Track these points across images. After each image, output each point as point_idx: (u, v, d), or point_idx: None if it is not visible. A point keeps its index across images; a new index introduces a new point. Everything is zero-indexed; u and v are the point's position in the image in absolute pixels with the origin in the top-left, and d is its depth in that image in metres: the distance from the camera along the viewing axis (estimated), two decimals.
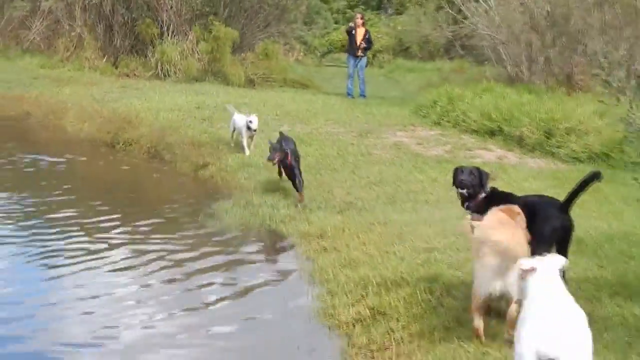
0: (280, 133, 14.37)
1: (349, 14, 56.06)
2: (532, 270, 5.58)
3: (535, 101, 18.68)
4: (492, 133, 18.10)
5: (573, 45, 22.40)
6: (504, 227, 6.87)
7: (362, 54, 27.94)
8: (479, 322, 6.82)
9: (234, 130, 16.85)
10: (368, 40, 27.97)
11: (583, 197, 12.23)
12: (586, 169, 14.31)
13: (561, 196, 12.15)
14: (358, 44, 27.63)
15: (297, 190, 13.01)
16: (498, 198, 8.09)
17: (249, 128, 16.25)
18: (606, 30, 22.09)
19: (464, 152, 16.60)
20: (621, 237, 10.13)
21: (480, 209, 8.10)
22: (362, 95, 27.71)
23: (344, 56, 49.23)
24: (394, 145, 17.34)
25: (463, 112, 19.53)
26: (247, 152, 16.28)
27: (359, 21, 28.10)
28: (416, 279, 8.46)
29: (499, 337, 6.82)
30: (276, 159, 13.05)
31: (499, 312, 7.04)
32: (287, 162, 13.07)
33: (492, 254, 6.52)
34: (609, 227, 10.73)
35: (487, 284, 6.64)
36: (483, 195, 8.43)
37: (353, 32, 27.80)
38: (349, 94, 27.66)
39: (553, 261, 5.72)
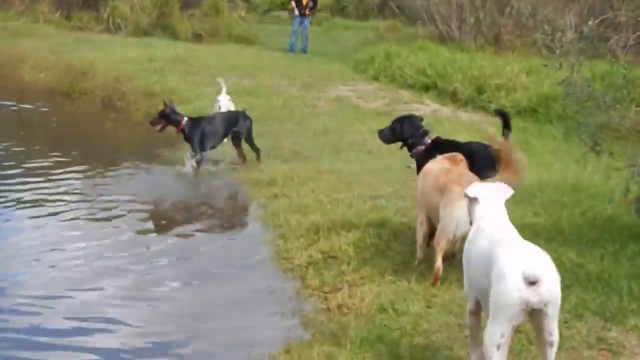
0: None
1: None
2: (476, 199, 5.45)
3: (467, 59, 18.64)
4: (427, 88, 18.04)
5: (501, 7, 22.31)
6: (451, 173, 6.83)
7: (308, 13, 27.86)
8: (440, 263, 6.74)
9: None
10: (314, 0, 27.90)
11: None
12: (515, 123, 14.39)
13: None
14: (305, 3, 27.47)
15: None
16: (442, 145, 7.96)
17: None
18: None
19: (402, 106, 16.48)
20: (553, 186, 10.12)
21: (422, 157, 8.07)
22: (304, 51, 27.52)
23: (284, 14, 49.08)
24: (336, 98, 17.22)
25: (399, 68, 19.42)
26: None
27: None
28: (364, 225, 8.35)
29: (446, 281, 6.76)
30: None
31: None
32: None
33: (457, 198, 6.39)
34: (540, 178, 10.70)
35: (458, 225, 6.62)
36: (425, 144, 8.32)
37: None
38: (291, 50, 27.44)
39: (500, 190, 5.58)
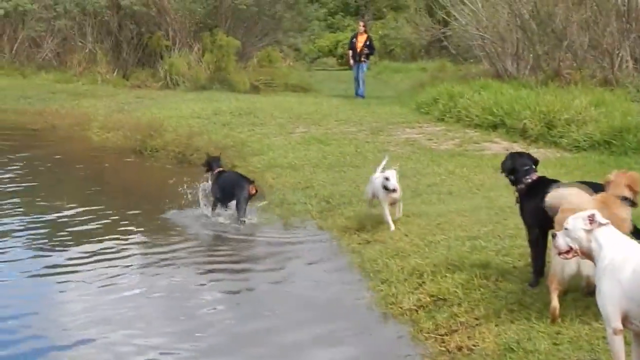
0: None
1: (329, 21, 56.14)
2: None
3: (532, 95, 18.67)
4: (495, 126, 18.08)
5: (558, 42, 22.38)
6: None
7: (364, 59, 28.30)
8: (556, 303, 6.73)
9: (372, 196, 11.36)
10: (370, 46, 28.47)
11: None
12: (590, 157, 14.55)
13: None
14: (359, 50, 28.00)
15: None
16: (545, 184, 7.98)
17: (386, 188, 10.81)
18: (588, 26, 22.14)
19: (473, 146, 16.58)
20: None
21: (524, 193, 8.12)
22: (361, 95, 27.96)
23: (331, 60, 49.62)
24: (406, 141, 17.34)
25: (465, 108, 19.50)
26: (392, 226, 10.64)
27: (362, 28, 28.86)
28: (468, 266, 8.41)
29: (566, 317, 6.79)
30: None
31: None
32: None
33: None
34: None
35: (565, 265, 6.61)
36: (529, 180, 8.17)
37: (354, 39, 28.39)
38: (357, 95, 28.11)
39: None
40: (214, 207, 12.74)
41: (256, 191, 12.62)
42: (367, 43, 28.32)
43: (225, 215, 12.42)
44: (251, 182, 12.64)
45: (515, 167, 8.30)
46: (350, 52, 28.77)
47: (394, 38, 46.00)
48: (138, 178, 16.78)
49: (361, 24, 30.09)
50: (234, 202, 12.39)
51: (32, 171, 16.68)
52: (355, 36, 28.67)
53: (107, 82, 31.46)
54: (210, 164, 13.20)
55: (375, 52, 31.97)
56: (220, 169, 13.14)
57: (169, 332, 7.94)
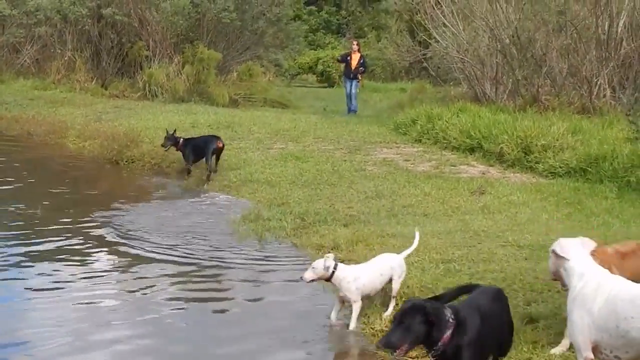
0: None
1: (310, 38, 56.27)
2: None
3: (510, 119, 18.71)
4: (472, 150, 18.12)
5: (537, 67, 22.49)
6: None
7: (359, 77, 29.40)
8: None
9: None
10: (363, 64, 29.43)
11: (569, 211, 12.45)
12: (566, 183, 14.62)
13: (549, 209, 12.31)
14: (354, 68, 28.80)
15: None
16: None
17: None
18: (568, 53, 22.27)
19: (449, 168, 16.62)
20: None
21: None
22: (354, 111, 28.93)
23: (311, 77, 49.74)
24: (384, 161, 17.35)
25: (443, 130, 19.52)
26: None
27: (355, 47, 29.70)
28: (441, 289, 8.35)
29: (540, 343, 6.78)
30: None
31: None
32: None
33: None
34: (605, 238, 10.71)
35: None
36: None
37: (349, 57, 29.06)
38: (350, 111, 28.92)
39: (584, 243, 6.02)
40: (187, 172, 16.67)
41: (223, 145, 16.65)
42: (361, 61, 29.20)
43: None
44: (218, 137, 16.86)
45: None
46: (342, 65, 30.10)
47: (374, 58, 46.12)
48: (112, 188, 16.71)
49: (355, 42, 30.90)
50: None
51: (5, 177, 16.55)
52: (349, 54, 29.37)
53: (85, 91, 31.24)
54: (175, 138, 16.93)
55: (367, 70, 32.63)
56: (184, 137, 17.07)
57: (136, 349, 7.86)
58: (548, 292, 8.38)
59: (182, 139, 16.86)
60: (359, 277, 8.20)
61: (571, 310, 5.60)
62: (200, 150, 16.63)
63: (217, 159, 16.71)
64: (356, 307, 8.16)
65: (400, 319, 5.59)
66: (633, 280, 5.76)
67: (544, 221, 11.85)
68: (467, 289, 6.46)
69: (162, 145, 17.13)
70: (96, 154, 19.51)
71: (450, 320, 5.60)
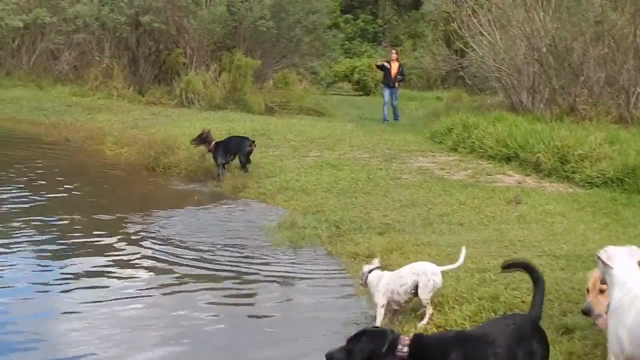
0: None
1: (346, 46, 56.28)
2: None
3: (547, 129, 18.60)
4: (508, 159, 18.02)
5: (574, 77, 22.38)
6: None
7: (398, 85, 30.08)
8: None
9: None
10: (401, 73, 30.12)
11: (606, 221, 12.35)
12: (603, 193, 14.48)
13: (585, 219, 12.20)
14: (393, 76, 29.48)
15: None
16: None
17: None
18: (605, 62, 22.14)
19: (485, 177, 16.53)
20: None
21: None
22: (396, 118, 29.73)
23: (347, 85, 49.76)
24: (419, 169, 17.31)
25: (479, 139, 19.46)
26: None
27: (394, 56, 30.44)
28: (477, 298, 8.35)
29: (576, 353, 6.73)
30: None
31: None
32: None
33: None
34: None
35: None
36: None
37: (388, 66, 29.62)
38: (384, 120, 29.24)
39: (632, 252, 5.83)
40: (219, 173, 17.25)
41: (254, 147, 17.34)
42: (400, 70, 29.94)
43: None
44: (248, 139, 17.53)
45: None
46: (381, 73, 30.79)
47: (410, 66, 46.11)
48: (148, 194, 16.79)
49: (394, 51, 31.73)
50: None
51: (43, 182, 16.75)
52: (389, 63, 29.90)
53: (122, 98, 31.59)
54: (207, 138, 17.72)
55: (405, 79, 33.53)
56: (216, 141, 17.68)
57: (170, 355, 7.91)
58: (584, 302, 8.31)
59: (213, 143, 17.53)
60: (382, 278, 8.35)
61: (610, 320, 5.54)
62: (230, 151, 17.46)
63: (248, 160, 17.30)
64: (378, 311, 8.27)
65: (348, 340, 5.74)
66: None
67: (580, 231, 11.73)
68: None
69: (192, 141, 18.05)
70: (133, 161, 19.67)
71: (401, 352, 5.56)
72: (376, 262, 8.68)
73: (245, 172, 17.06)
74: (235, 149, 17.40)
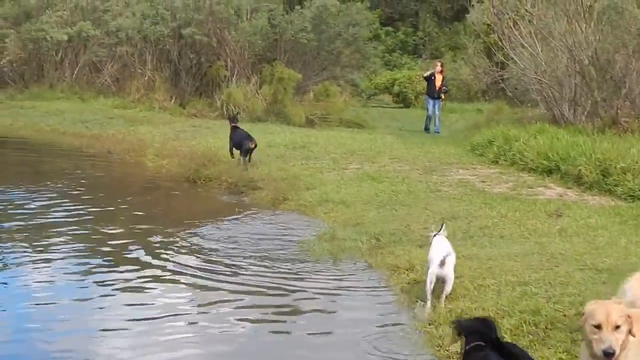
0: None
1: (386, 58, 56.25)
2: None
3: (588, 141, 18.48)
4: (549, 172, 17.92)
5: (617, 89, 22.23)
6: None
7: (443, 97, 30.84)
8: None
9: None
10: (445, 84, 30.83)
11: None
12: None
13: (628, 233, 12.08)
14: (438, 88, 30.12)
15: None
16: None
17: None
18: None
19: (526, 190, 16.45)
20: None
21: None
22: (437, 131, 29.87)
23: (387, 98, 49.73)
24: (459, 182, 17.26)
25: (520, 152, 19.40)
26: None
27: (439, 68, 30.86)
28: (518, 312, 8.33)
29: None
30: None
31: None
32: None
33: None
34: None
35: None
36: None
37: (433, 77, 30.19)
38: (426, 129, 30.12)
39: None
40: (230, 149, 19.72)
41: (255, 145, 19.28)
42: (444, 82, 30.63)
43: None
44: (252, 139, 19.43)
45: None
46: (427, 82, 31.08)
47: (451, 78, 46.04)
48: (189, 206, 16.85)
49: (438, 64, 31.91)
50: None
51: (85, 194, 16.93)
52: (434, 75, 30.40)
53: (164, 110, 31.85)
54: (233, 119, 20.69)
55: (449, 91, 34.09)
56: (234, 124, 20.20)
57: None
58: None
59: (233, 125, 20.16)
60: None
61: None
62: (236, 144, 19.70)
63: (250, 155, 19.38)
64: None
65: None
66: None
67: (622, 245, 11.64)
68: None
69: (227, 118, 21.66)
70: (174, 173, 19.80)
71: None
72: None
73: (248, 162, 19.30)
74: (237, 144, 19.57)
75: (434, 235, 10.09)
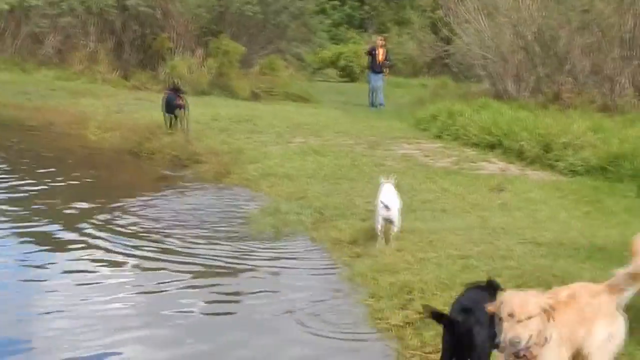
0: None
1: (333, 32, 56.11)
2: None
3: (531, 117, 18.70)
4: (492, 146, 18.10)
5: (560, 65, 22.43)
6: None
7: (386, 71, 30.44)
8: None
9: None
10: (388, 58, 30.46)
11: (588, 209, 12.41)
12: (586, 182, 14.57)
13: (568, 207, 12.22)
14: (381, 62, 29.75)
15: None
16: None
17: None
18: (591, 51, 22.21)
19: (469, 164, 16.60)
20: None
21: None
22: (382, 104, 29.74)
23: (332, 72, 49.64)
24: (403, 156, 17.35)
25: (463, 127, 19.57)
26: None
27: (380, 42, 30.52)
28: (459, 285, 8.33)
29: None
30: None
31: None
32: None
33: None
34: (624, 237, 10.68)
35: None
36: None
37: (375, 52, 29.75)
38: (372, 105, 29.76)
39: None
40: (165, 119, 20.19)
41: (184, 103, 20.06)
42: (387, 56, 30.22)
43: None
44: (179, 96, 20.27)
45: None
46: (369, 57, 30.52)
47: (396, 53, 46.09)
48: (131, 180, 16.68)
49: (380, 38, 31.92)
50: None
51: (25, 167, 16.76)
52: (375, 49, 29.98)
53: (107, 82, 31.47)
54: (171, 86, 21.60)
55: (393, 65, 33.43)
56: (168, 90, 21.17)
57: (145, 338, 7.88)
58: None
59: (166, 90, 21.53)
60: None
61: None
62: (166, 107, 20.34)
63: (185, 117, 20.07)
64: None
65: None
66: None
67: (562, 219, 11.80)
68: None
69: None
70: (117, 146, 19.61)
71: None
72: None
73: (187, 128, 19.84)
74: (167, 106, 20.28)
75: (382, 183, 11.21)
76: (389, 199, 10.67)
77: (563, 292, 5.65)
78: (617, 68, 21.41)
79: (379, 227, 10.58)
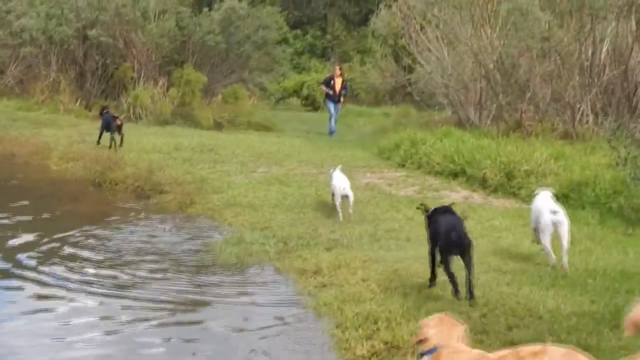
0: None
1: (295, 61, 56.27)
2: None
3: (493, 145, 18.80)
4: (455, 175, 18.19)
5: (521, 93, 22.61)
6: None
7: (342, 101, 30.26)
8: None
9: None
10: (345, 87, 30.21)
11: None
12: None
13: (530, 235, 12.29)
14: (337, 91, 29.53)
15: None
16: None
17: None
18: (551, 79, 22.42)
19: (432, 193, 16.63)
20: (601, 273, 10.20)
21: None
22: (332, 131, 29.77)
23: (295, 101, 49.70)
24: (367, 186, 17.35)
25: (426, 155, 19.64)
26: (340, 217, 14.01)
27: (338, 72, 30.39)
28: (424, 314, 8.34)
29: None
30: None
31: None
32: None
33: None
34: (587, 264, 10.78)
35: None
36: None
37: (332, 81, 29.65)
38: (331, 132, 29.68)
39: None
40: (100, 135, 22.42)
41: (121, 122, 21.86)
42: (344, 86, 30.04)
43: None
44: (117, 116, 22.40)
45: None
46: (323, 87, 30.70)
47: (359, 82, 46.25)
48: (94, 210, 16.46)
49: (338, 67, 31.60)
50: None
51: None
52: (332, 78, 29.96)
53: (69, 112, 31.15)
54: (103, 108, 23.53)
55: (348, 94, 33.30)
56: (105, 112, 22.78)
57: None
58: (530, 317, 8.40)
59: (104, 112, 22.91)
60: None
61: None
62: (104, 126, 22.23)
63: (120, 133, 21.72)
64: None
65: None
66: None
67: (526, 247, 11.86)
68: None
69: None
70: (79, 176, 19.43)
71: None
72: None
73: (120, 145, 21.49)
74: (106, 126, 22.14)
75: (332, 172, 14.80)
76: (341, 180, 14.36)
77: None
78: (577, 96, 21.62)
79: (338, 204, 14.05)
